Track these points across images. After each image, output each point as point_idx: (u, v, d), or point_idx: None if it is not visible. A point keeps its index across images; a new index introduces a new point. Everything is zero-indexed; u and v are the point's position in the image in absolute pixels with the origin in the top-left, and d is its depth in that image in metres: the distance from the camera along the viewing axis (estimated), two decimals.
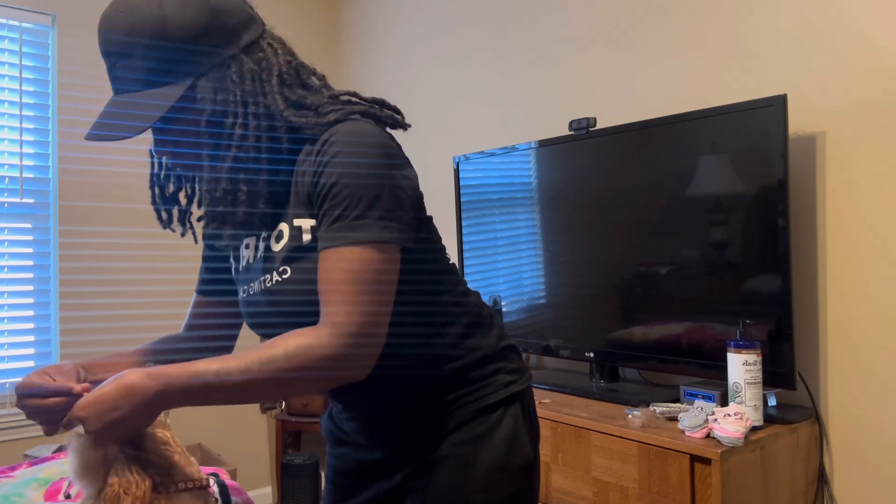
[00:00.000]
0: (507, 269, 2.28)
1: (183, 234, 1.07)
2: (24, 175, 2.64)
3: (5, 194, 2.60)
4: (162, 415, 0.98)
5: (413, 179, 0.96)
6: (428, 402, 1.01)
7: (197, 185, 1.06)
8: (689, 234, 1.75)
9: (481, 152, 2.35)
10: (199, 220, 1.03)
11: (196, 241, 1.12)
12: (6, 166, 2.60)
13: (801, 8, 1.72)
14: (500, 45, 2.57)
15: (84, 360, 1.05)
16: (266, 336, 1.03)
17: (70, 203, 2.70)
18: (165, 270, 2.92)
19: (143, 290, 2.86)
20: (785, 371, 1.57)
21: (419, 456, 1.02)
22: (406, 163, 0.95)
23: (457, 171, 2.45)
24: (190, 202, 1.07)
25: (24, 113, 2.64)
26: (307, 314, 0.93)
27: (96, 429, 0.85)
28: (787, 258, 1.56)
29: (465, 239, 2.43)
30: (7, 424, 2.55)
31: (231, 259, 1.10)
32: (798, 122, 1.72)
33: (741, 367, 1.51)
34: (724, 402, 1.62)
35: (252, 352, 0.86)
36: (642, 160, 1.86)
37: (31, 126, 2.65)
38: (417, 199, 0.98)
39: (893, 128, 1.57)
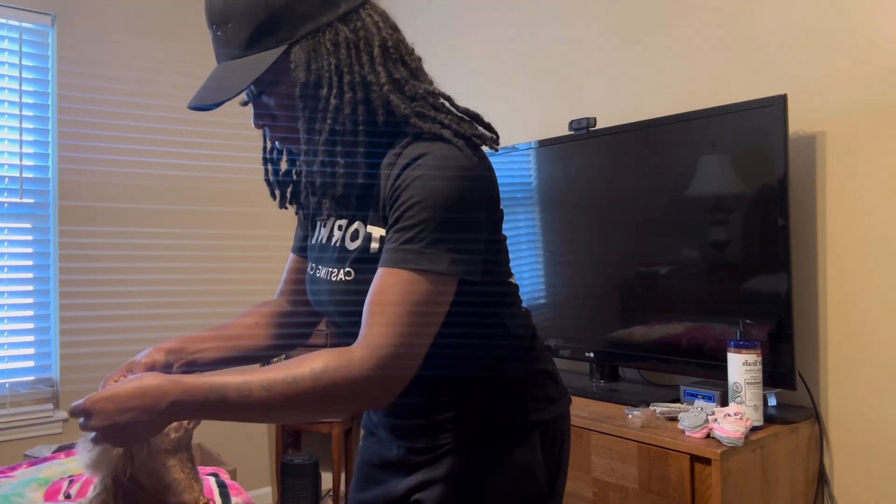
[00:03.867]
0: None
1: (297, 213, 1.04)
2: (24, 175, 2.63)
3: (5, 194, 2.60)
4: (173, 434, 0.96)
5: (494, 201, 0.93)
6: (448, 414, 1.00)
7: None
8: (690, 234, 1.75)
9: None
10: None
11: (306, 218, 1.08)
12: (6, 166, 2.60)
13: (801, 8, 1.72)
14: (501, 44, 2.56)
15: (175, 341, 1.03)
16: (323, 315, 1.02)
17: (70, 203, 2.70)
18: (166, 270, 2.92)
19: (144, 291, 2.86)
20: (785, 371, 1.57)
21: (430, 466, 1.02)
22: (492, 188, 0.92)
23: None
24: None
25: (24, 113, 2.64)
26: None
27: (103, 426, 0.80)
28: (787, 258, 1.56)
29: None
30: (7, 424, 2.55)
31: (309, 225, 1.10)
32: (798, 122, 1.72)
33: (741, 367, 1.51)
34: (724, 402, 1.62)
35: (276, 369, 0.82)
36: (642, 160, 1.86)
37: (31, 126, 2.65)
38: (496, 222, 0.95)
39: (893, 128, 1.57)
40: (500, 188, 2.27)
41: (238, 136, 3.12)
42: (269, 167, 1.04)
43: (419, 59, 0.97)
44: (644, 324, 1.85)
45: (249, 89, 0.94)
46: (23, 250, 2.63)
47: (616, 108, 2.16)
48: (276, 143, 1.02)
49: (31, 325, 2.64)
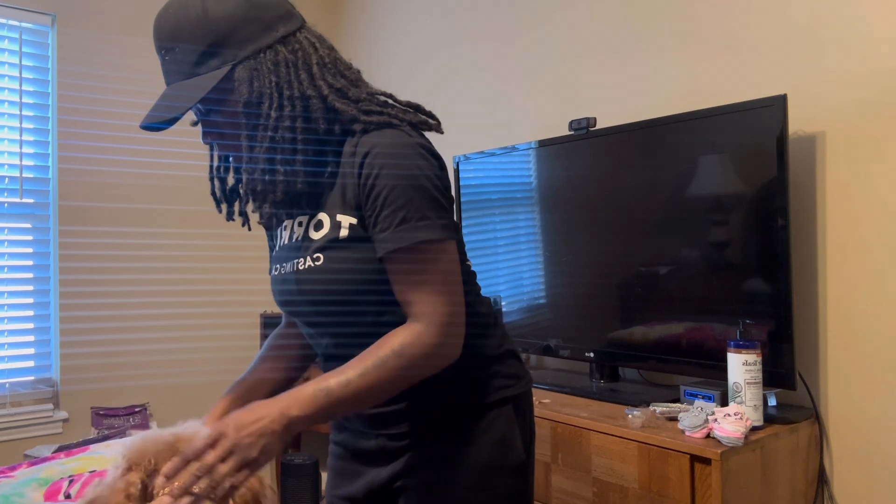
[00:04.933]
0: (507, 269, 2.27)
1: (243, 225, 1.13)
2: (24, 175, 2.63)
3: (5, 194, 2.60)
4: None
5: (447, 181, 1.01)
6: (422, 396, 1.04)
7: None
8: (689, 234, 1.75)
9: (481, 152, 2.35)
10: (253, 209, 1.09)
11: (249, 229, 1.15)
12: (6, 166, 2.60)
13: (801, 8, 1.72)
14: (501, 45, 2.56)
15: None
16: (292, 314, 1.08)
17: (70, 203, 2.70)
18: (166, 270, 2.92)
19: (144, 291, 2.86)
20: (785, 371, 1.57)
21: (410, 451, 1.05)
22: (444, 167, 1.01)
23: (457, 171, 2.45)
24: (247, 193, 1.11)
25: (24, 113, 2.64)
26: (331, 303, 0.99)
27: (247, 446, 0.86)
28: (787, 258, 1.56)
29: (465, 239, 2.43)
30: (7, 424, 2.55)
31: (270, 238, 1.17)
32: (798, 122, 1.72)
33: (741, 367, 1.51)
34: (724, 402, 1.62)
35: (362, 359, 0.92)
36: (642, 160, 1.86)
37: (31, 126, 2.65)
38: (452, 201, 1.04)
39: (893, 128, 1.57)
40: (500, 188, 2.28)
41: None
42: (217, 183, 1.10)
43: (358, 72, 1.05)
44: (644, 324, 1.85)
45: (197, 108, 1.01)
46: (23, 250, 2.63)
47: (616, 108, 2.16)
48: (223, 157, 1.10)
49: (31, 325, 2.64)
